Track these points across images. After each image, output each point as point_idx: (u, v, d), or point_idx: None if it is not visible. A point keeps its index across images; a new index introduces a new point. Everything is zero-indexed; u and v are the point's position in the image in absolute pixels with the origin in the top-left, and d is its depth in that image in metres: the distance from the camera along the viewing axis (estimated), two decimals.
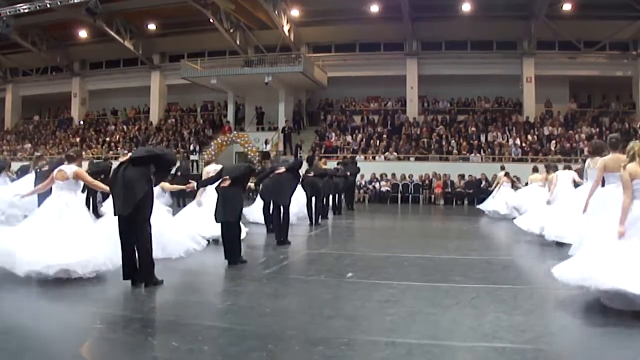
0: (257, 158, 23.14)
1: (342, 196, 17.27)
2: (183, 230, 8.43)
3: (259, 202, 12.35)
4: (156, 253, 6.85)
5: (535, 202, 11.84)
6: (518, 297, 5.69)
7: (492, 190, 17.59)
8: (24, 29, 28.15)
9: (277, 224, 9.94)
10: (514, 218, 12.67)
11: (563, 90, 28.35)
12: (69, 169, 6.86)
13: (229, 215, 7.56)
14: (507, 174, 17.12)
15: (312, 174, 13.06)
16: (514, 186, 16.76)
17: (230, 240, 7.63)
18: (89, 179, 7.02)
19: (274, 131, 27.84)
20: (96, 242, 6.46)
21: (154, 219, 6.29)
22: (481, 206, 17.20)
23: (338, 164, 18.45)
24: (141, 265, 6.03)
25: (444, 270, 7.42)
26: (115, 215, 6.11)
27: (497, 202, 16.29)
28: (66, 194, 6.74)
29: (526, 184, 16.01)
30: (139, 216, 6.01)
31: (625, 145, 5.86)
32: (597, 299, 5.22)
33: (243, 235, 8.75)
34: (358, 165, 19.46)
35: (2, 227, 6.98)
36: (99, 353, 4.01)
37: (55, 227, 6.38)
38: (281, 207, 9.82)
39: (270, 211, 10.63)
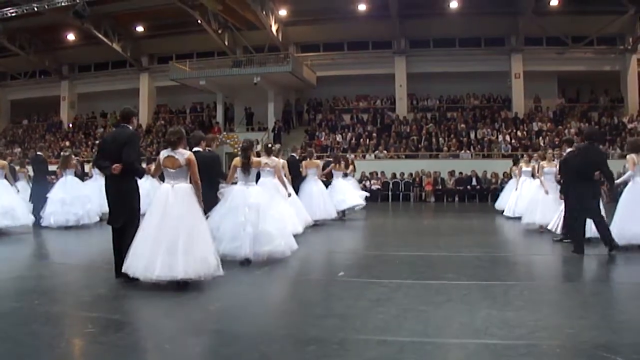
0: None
1: None
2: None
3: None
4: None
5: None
6: (509, 293, 5.71)
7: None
8: (12, 33, 27.98)
9: None
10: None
11: (551, 86, 28.55)
12: (181, 154, 6.24)
13: None
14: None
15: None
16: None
17: None
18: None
19: (264, 131, 27.77)
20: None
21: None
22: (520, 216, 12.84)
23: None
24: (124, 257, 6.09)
25: (435, 267, 7.44)
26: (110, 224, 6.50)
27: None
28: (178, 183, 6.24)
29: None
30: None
31: None
32: (587, 291, 5.25)
33: None
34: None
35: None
36: (91, 357, 4.00)
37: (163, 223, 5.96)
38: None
39: None
